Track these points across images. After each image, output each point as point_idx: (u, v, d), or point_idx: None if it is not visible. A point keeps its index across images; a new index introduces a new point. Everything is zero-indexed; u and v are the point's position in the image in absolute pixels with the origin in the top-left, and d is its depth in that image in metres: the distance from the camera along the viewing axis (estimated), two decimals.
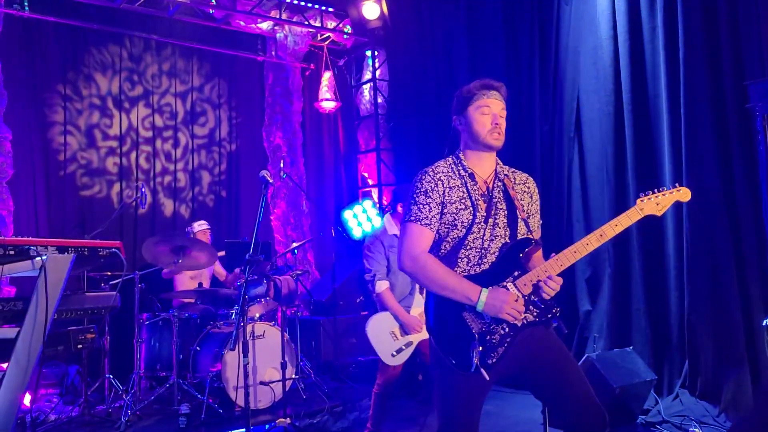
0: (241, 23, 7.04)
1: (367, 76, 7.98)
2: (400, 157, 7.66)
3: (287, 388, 4.48)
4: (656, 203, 2.57)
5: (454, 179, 2.49)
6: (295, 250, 5.80)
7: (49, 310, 2.49)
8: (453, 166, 2.53)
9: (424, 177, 2.47)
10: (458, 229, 2.43)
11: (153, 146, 6.58)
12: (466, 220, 2.43)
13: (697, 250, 4.58)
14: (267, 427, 4.28)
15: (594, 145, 5.50)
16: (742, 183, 4.40)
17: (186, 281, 5.61)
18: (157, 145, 6.61)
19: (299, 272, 5.01)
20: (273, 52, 7.43)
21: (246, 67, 7.34)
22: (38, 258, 2.47)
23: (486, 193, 2.49)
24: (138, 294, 4.89)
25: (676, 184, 2.65)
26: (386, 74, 7.92)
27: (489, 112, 2.45)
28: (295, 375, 5.00)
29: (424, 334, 3.71)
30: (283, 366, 4.40)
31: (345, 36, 7.81)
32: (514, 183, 2.57)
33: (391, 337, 3.76)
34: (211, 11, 6.74)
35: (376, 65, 7.82)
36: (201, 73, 7.00)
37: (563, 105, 5.74)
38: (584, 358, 4.55)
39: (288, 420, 4.20)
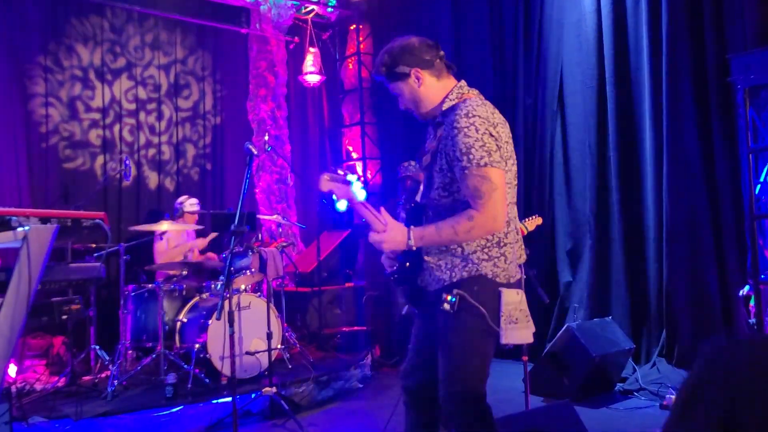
0: None
1: (352, 49, 7.93)
2: (385, 131, 7.66)
3: (273, 359, 4.54)
4: None
5: None
6: (280, 222, 5.82)
7: (32, 281, 2.50)
8: None
9: None
10: None
11: (136, 119, 6.52)
12: None
13: (676, 221, 4.67)
14: (253, 395, 4.34)
15: (576, 118, 5.54)
16: (721, 156, 4.47)
17: (172, 254, 5.62)
18: (140, 117, 6.55)
19: (284, 244, 5.04)
20: (257, 25, 7.34)
21: (230, 39, 7.26)
22: (20, 229, 2.47)
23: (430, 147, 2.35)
24: (123, 265, 4.90)
25: None
26: (371, 48, 7.87)
27: None
28: (281, 345, 5.06)
29: None
30: (269, 336, 4.45)
31: (329, 9, 7.74)
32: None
33: None
34: None
35: (361, 39, 7.76)
36: (184, 45, 6.91)
37: (546, 78, 5.76)
38: (565, 327, 4.65)
39: (274, 389, 4.26)
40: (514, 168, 2.28)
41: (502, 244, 2.20)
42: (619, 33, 5.09)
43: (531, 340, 2.21)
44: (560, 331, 4.72)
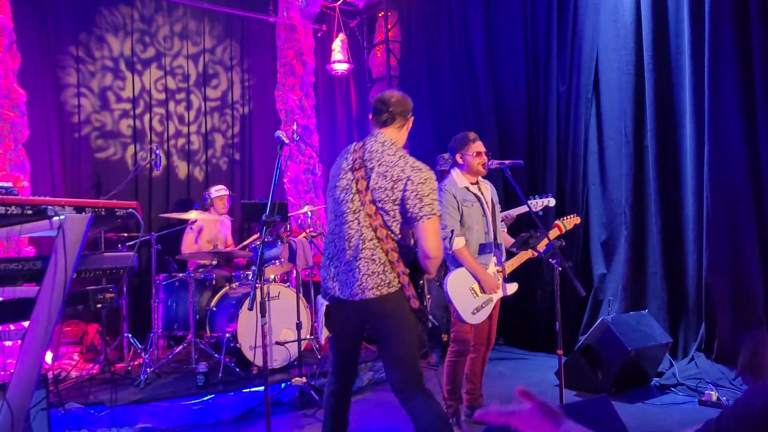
0: None
1: (380, 37, 7.86)
2: (414, 121, 7.56)
3: (302, 348, 4.52)
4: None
5: None
6: (309, 213, 5.79)
7: (68, 270, 2.50)
8: None
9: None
10: None
11: (166, 109, 6.54)
12: None
13: (718, 212, 4.53)
14: (283, 385, 4.34)
15: (612, 105, 5.41)
16: (766, 143, 4.30)
17: (202, 244, 5.65)
18: (170, 107, 6.57)
19: (314, 234, 5.01)
20: (285, 13, 7.30)
21: (258, 28, 7.23)
22: (56, 218, 2.47)
23: None
24: (154, 255, 4.93)
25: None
26: (399, 35, 7.79)
27: None
28: (310, 335, 5.05)
29: (503, 291, 3.71)
30: (299, 326, 4.43)
31: None
32: None
33: (471, 294, 3.63)
34: None
35: (389, 26, 7.68)
36: (213, 35, 6.91)
37: (581, 65, 5.63)
38: (599, 320, 4.56)
39: (303, 379, 4.25)
40: (332, 198, 2.77)
41: None
42: (658, 17, 4.93)
43: (323, 336, 2.82)
44: (595, 324, 4.63)
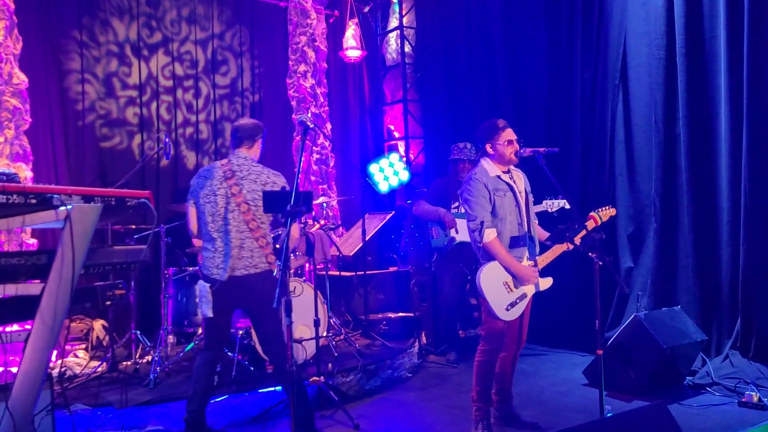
0: None
1: (394, 23, 7.62)
2: (428, 109, 7.36)
3: (319, 346, 4.32)
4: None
5: None
6: (324, 204, 5.57)
7: (76, 264, 2.29)
8: None
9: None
10: None
11: (174, 96, 6.31)
12: None
13: (757, 202, 4.31)
14: None
15: (641, 92, 5.18)
16: None
17: None
18: (177, 95, 6.34)
19: (331, 226, 4.80)
20: None
21: (268, 13, 6.98)
22: (62, 208, 2.25)
23: None
24: (164, 248, 4.71)
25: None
26: (414, 21, 7.55)
27: None
28: (326, 333, 4.84)
29: (536, 287, 3.50)
30: (317, 324, 4.22)
31: None
32: None
33: (505, 288, 3.41)
34: None
35: (403, 12, 7.44)
36: (222, 20, 6.66)
37: (608, 50, 5.39)
38: (632, 317, 4.35)
39: (321, 378, 4.05)
40: (210, 203, 3.41)
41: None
42: None
43: (209, 314, 3.32)
44: (626, 322, 4.43)
